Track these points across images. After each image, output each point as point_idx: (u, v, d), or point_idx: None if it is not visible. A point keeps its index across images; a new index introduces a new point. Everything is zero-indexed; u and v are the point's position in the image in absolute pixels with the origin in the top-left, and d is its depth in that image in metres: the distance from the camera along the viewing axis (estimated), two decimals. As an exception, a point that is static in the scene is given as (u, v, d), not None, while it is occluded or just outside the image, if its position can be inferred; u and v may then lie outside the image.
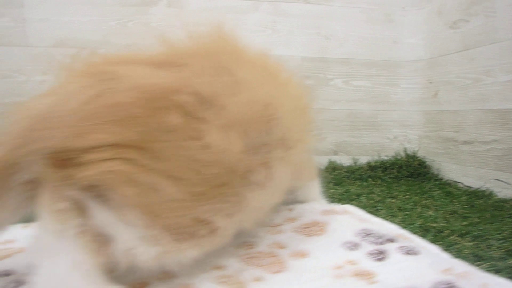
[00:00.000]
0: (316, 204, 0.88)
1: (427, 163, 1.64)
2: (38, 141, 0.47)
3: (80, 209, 0.48)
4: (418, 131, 1.72)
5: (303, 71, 1.66)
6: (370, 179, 1.55)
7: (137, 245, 0.49)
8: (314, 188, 0.91)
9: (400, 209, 1.09)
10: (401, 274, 0.54)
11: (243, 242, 0.66)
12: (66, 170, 0.47)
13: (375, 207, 1.11)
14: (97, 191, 0.47)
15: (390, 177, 1.57)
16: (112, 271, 0.50)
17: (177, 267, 0.53)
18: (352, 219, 0.74)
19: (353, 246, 0.63)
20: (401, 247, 0.62)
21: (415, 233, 0.86)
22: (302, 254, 0.60)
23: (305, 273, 0.55)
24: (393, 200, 1.20)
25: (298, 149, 0.66)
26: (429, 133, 1.66)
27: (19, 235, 0.69)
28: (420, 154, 1.68)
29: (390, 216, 0.99)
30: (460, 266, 0.57)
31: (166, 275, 0.55)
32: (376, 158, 1.70)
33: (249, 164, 0.55)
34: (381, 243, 0.63)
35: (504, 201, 1.19)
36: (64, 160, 0.47)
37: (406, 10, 1.73)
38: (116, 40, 1.53)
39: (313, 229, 0.70)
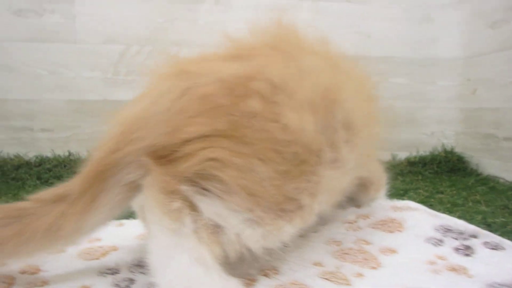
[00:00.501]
0: (382, 201, 0.91)
1: (465, 158, 1.67)
2: (135, 142, 0.51)
3: (190, 206, 0.51)
4: (455, 127, 1.75)
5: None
6: (410, 175, 1.58)
7: (243, 228, 0.52)
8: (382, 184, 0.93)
9: (453, 204, 1.11)
10: (492, 270, 0.57)
11: (328, 239, 0.70)
12: (167, 166, 0.50)
13: (426, 202, 1.14)
14: (200, 184, 0.51)
15: (430, 173, 1.60)
16: (225, 263, 0.54)
17: (279, 248, 0.57)
18: (424, 215, 0.77)
19: (438, 242, 0.66)
20: (485, 242, 0.65)
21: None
22: (391, 250, 0.64)
23: (401, 269, 0.58)
24: (442, 196, 1.23)
25: (363, 134, 0.68)
26: (467, 129, 1.68)
27: (102, 233, 0.68)
28: (458, 150, 1.71)
29: (447, 211, 1.02)
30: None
31: (271, 271, 0.59)
32: (414, 154, 1.73)
33: (321, 143, 0.57)
34: (464, 239, 0.66)
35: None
36: (163, 157, 0.51)
37: (445, 9, 1.75)
38: (163, 37, 1.56)
39: (391, 225, 0.74)
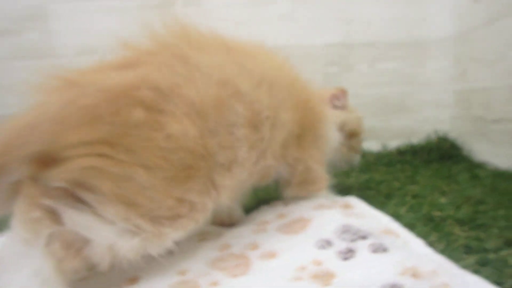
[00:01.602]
0: (316, 198, 0.88)
1: (459, 144, 1.58)
2: (20, 148, 0.51)
3: (53, 217, 0.52)
4: (449, 111, 1.66)
5: (327, 58, 1.63)
6: (399, 165, 1.51)
7: (117, 240, 0.53)
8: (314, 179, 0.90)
9: (414, 196, 1.06)
10: (358, 275, 0.54)
11: (221, 244, 0.68)
12: (45, 171, 0.52)
13: (389, 195, 1.09)
14: (74, 194, 0.52)
15: (419, 161, 1.53)
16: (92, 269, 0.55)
17: (163, 254, 0.57)
18: (338, 214, 0.73)
19: (326, 244, 0.63)
20: (372, 244, 0.61)
21: (417, 222, 0.85)
22: (271, 255, 0.61)
23: (264, 276, 0.56)
24: (413, 187, 1.17)
25: (271, 127, 0.70)
26: (460, 112, 1.59)
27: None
28: (452, 135, 1.62)
29: (400, 205, 0.97)
30: (430, 264, 0.56)
31: (131, 281, 0.58)
32: (406, 142, 1.65)
33: (209, 147, 0.59)
34: (352, 241, 0.63)
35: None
36: (44, 163, 0.52)
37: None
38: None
39: (295, 226, 0.71)
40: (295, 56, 1.60)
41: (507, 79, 1.29)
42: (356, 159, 1.07)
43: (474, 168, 1.37)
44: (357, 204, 0.88)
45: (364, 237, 0.63)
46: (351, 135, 1.02)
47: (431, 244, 0.73)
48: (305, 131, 0.84)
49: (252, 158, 0.68)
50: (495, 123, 1.36)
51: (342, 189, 1.07)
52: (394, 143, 1.66)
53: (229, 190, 0.65)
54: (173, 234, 0.57)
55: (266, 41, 1.57)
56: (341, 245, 0.62)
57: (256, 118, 0.67)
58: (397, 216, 0.90)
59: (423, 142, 1.64)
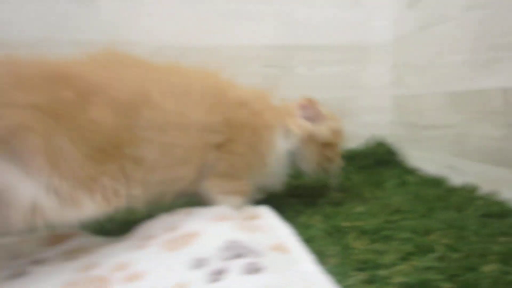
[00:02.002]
0: (220, 207, 0.85)
1: (395, 150, 1.57)
2: None
3: None
4: (387, 117, 1.65)
5: (265, 60, 1.60)
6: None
7: (39, 194, 0.61)
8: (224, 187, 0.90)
9: (334, 204, 1.03)
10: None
11: (88, 263, 0.63)
12: None
13: (310, 203, 1.06)
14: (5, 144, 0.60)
15: (354, 167, 1.51)
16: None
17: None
18: (229, 228, 0.70)
19: (200, 264, 0.59)
20: (247, 263, 0.58)
21: (323, 233, 0.82)
22: (137, 277, 0.57)
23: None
24: (337, 194, 1.14)
25: (177, 133, 0.79)
26: (397, 118, 1.58)
27: None
28: (390, 140, 1.61)
29: (316, 214, 0.95)
30: (301, 284, 0.53)
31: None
32: (345, 147, 1.63)
33: (122, 138, 0.71)
34: (228, 259, 0.59)
35: (452, 189, 1.12)
36: None
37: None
38: (59, 36, 1.49)
39: (181, 241, 0.67)
40: (232, 57, 1.57)
41: (435, 86, 1.28)
42: (333, 168, 1.07)
43: (405, 174, 1.36)
44: (264, 214, 0.85)
45: (241, 256, 0.59)
46: (325, 145, 1.02)
47: (327, 258, 0.71)
48: (234, 136, 0.89)
49: (164, 162, 0.78)
50: (426, 130, 1.35)
51: (270, 196, 1.05)
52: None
53: (141, 186, 0.75)
54: (88, 206, 0.66)
55: (201, 40, 1.53)
56: (216, 264, 0.58)
57: (163, 123, 0.77)
58: (306, 227, 0.87)
59: (361, 147, 1.62)
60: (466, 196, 1.04)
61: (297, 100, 1.02)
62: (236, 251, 0.61)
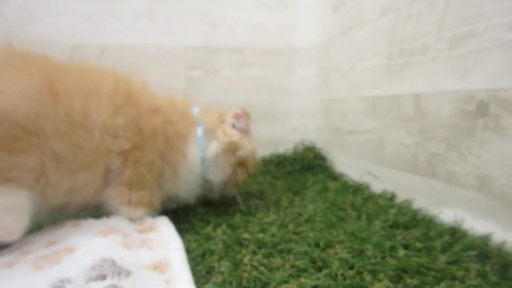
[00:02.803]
0: (114, 219, 0.79)
1: (324, 155, 1.54)
2: None
3: None
4: (315, 121, 1.62)
5: (188, 62, 1.54)
6: (260, 176, 1.45)
7: None
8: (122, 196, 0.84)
9: (243, 214, 0.98)
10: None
11: None
12: None
13: (224, 212, 1.01)
14: None
15: (281, 172, 1.47)
16: None
17: None
18: (104, 244, 0.64)
19: (61, 286, 0.52)
20: (108, 285, 0.51)
21: (220, 247, 0.77)
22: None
23: None
24: (250, 203, 1.10)
25: (81, 133, 0.75)
26: (324, 122, 1.56)
27: None
28: (318, 145, 1.58)
29: (219, 227, 0.89)
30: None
31: None
32: (274, 151, 1.60)
33: (45, 127, 0.69)
34: (89, 280, 0.53)
35: (370, 197, 1.10)
36: None
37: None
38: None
39: (52, 258, 0.60)
40: (154, 57, 1.50)
41: (357, 91, 1.26)
42: (234, 189, 1.05)
43: (329, 180, 1.34)
44: (161, 227, 0.80)
45: (105, 277, 0.53)
46: (240, 163, 1.01)
47: (215, 276, 0.66)
48: (143, 143, 0.85)
49: (73, 166, 0.74)
50: (350, 135, 1.33)
51: (182, 205, 1.02)
52: (261, 152, 1.59)
53: (52, 190, 0.72)
54: (8, 196, 0.65)
55: (121, 40, 1.45)
56: (77, 286, 0.52)
57: (69, 121, 0.73)
58: (207, 239, 0.82)
59: (290, 152, 1.59)
60: (382, 205, 1.02)
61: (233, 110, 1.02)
62: (102, 271, 0.55)
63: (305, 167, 1.50)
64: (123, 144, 0.82)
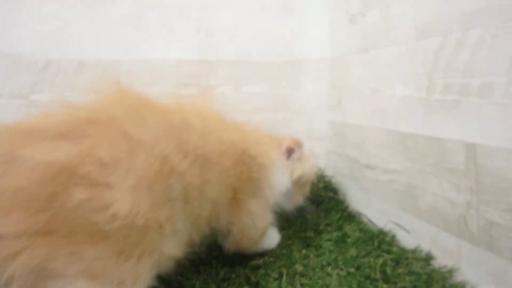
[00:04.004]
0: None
1: (334, 185, 1.34)
2: None
3: None
4: (325, 145, 1.42)
5: (180, 78, 1.32)
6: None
7: None
8: None
9: (251, 285, 0.79)
10: None
11: None
12: None
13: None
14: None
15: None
16: None
17: None
18: None
19: None
20: None
21: None
22: None
23: None
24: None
25: (201, 204, 0.70)
26: (335, 148, 1.35)
27: None
28: (328, 172, 1.38)
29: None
30: None
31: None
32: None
33: (159, 218, 0.59)
34: None
35: (402, 255, 0.90)
36: None
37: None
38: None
39: None
40: (140, 73, 1.28)
41: (379, 120, 1.05)
42: (302, 199, 1.06)
43: (345, 221, 1.14)
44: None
45: None
46: (304, 183, 1.03)
47: None
48: (242, 188, 0.84)
49: (186, 230, 0.68)
50: (369, 169, 1.13)
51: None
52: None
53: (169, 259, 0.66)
54: None
55: (102, 53, 1.24)
56: None
57: (189, 194, 0.66)
58: None
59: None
60: (420, 273, 0.83)
61: (283, 137, 1.03)
62: None
63: (314, 200, 1.29)
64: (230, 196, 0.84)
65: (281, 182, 0.93)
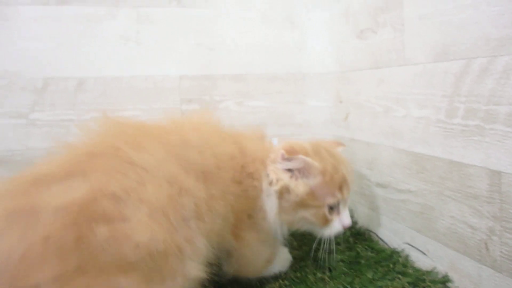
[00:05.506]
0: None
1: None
2: None
3: None
4: (331, 159, 1.40)
5: (183, 94, 1.30)
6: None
7: None
8: None
9: None
10: None
11: None
12: None
13: None
14: None
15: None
16: None
17: None
18: None
19: None
20: None
21: None
22: None
23: None
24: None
25: (212, 218, 0.69)
26: (342, 163, 1.34)
27: None
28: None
29: None
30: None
31: None
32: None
33: (178, 242, 0.60)
34: None
35: (418, 278, 0.89)
36: None
37: (311, 11, 1.39)
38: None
39: None
40: (142, 90, 1.25)
41: (392, 139, 1.04)
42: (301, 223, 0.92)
43: (356, 240, 1.13)
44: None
45: None
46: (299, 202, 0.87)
47: None
48: (239, 216, 0.80)
49: (204, 247, 0.67)
50: (380, 188, 1.12)
51: None
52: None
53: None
54: None
55: (102, 69, 1.21)
56: None
57: (200, 209, 0.66)
58: None
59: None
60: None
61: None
62: None
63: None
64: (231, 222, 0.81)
65: (272, 203, 0.83)
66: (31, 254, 0.49)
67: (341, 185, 0.86)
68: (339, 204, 0.87)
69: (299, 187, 0.82)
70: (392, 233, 1.08)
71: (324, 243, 0.92)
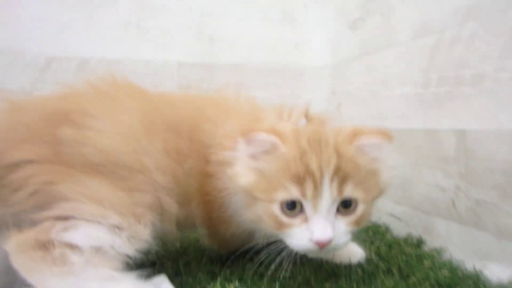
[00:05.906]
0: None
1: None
2: None
3: (67, 245, 0.58)
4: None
5: (182, 80, 1.38)
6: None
7: (112, 239, 0.60)
8: None
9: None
10: None
11: None
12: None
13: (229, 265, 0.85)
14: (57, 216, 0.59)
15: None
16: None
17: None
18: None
19: None
20: None
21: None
22: None
23: None
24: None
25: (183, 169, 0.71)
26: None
27: None
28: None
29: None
30: None
31: None
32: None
33: (145, 163, 0.65)
34: None
35: (394, 242, 0.95)
36: None
37: (308, 7, 1.49)
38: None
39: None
40: (142, 74, 1.32)
41: (378, 121, 1.12)
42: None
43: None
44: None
45: None
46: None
47: None
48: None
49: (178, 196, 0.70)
50: (365, 168, 1.19)
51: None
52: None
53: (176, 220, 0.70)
54: (145, 232, 0.62)
55: (104, 52, 1.28)
56: None
57: (170, 152, 0.69)
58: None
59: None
60: (411, 254, 0.88)
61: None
62: None
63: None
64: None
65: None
66: (13, 136, 0.61)
67: (301, 179, 0.60)
68: (303, 206, 0.61)
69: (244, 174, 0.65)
70: (376, 210, 1.14)
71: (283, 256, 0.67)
